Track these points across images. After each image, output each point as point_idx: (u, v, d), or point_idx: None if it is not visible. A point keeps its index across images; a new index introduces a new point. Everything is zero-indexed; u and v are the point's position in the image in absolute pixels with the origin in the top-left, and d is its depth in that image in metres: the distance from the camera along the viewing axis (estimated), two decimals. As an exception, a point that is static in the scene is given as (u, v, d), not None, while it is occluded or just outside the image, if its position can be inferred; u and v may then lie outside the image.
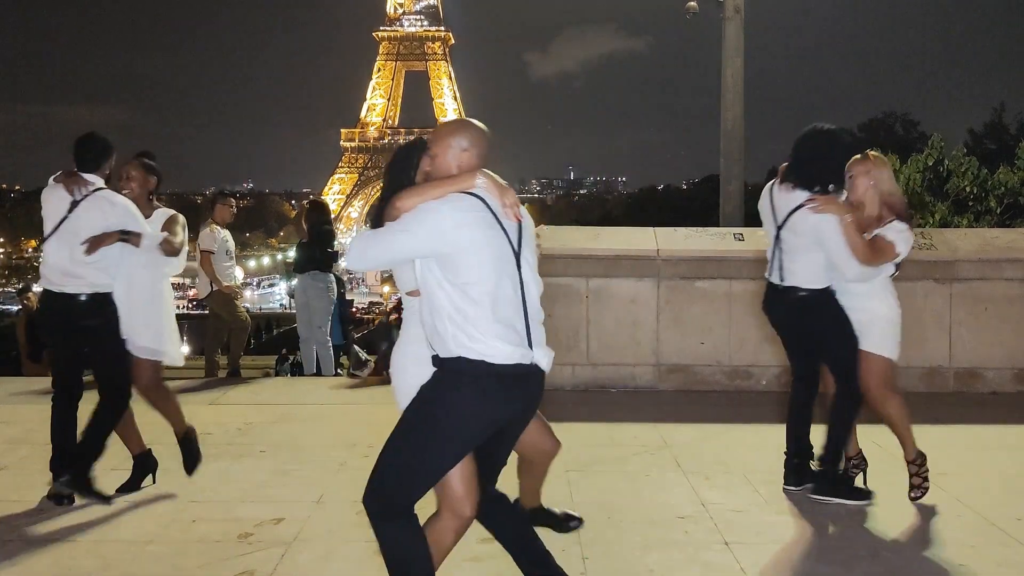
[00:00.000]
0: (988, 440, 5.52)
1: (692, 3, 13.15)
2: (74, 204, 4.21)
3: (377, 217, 2.83)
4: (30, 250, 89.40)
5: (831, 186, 4.17)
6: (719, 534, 3.88)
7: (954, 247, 6.93)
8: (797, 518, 4.09)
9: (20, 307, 11.45)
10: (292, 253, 9.62)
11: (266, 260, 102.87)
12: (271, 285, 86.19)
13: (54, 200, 4.26)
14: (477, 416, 2.67)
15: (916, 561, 3.61)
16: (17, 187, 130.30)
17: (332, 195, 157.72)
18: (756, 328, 6.79)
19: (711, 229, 7.55)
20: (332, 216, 9.04)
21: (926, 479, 4.29)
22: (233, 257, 8.40)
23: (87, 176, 4.26)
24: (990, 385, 6.86)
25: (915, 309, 6.90)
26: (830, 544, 3.82)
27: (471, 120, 2.88)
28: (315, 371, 8.51)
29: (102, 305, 4.26)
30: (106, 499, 4.22)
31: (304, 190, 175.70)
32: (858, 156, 4.19)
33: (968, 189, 14.25)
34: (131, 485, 4.46)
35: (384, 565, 3.57)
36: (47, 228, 4.28)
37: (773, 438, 4.78)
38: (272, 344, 38.08)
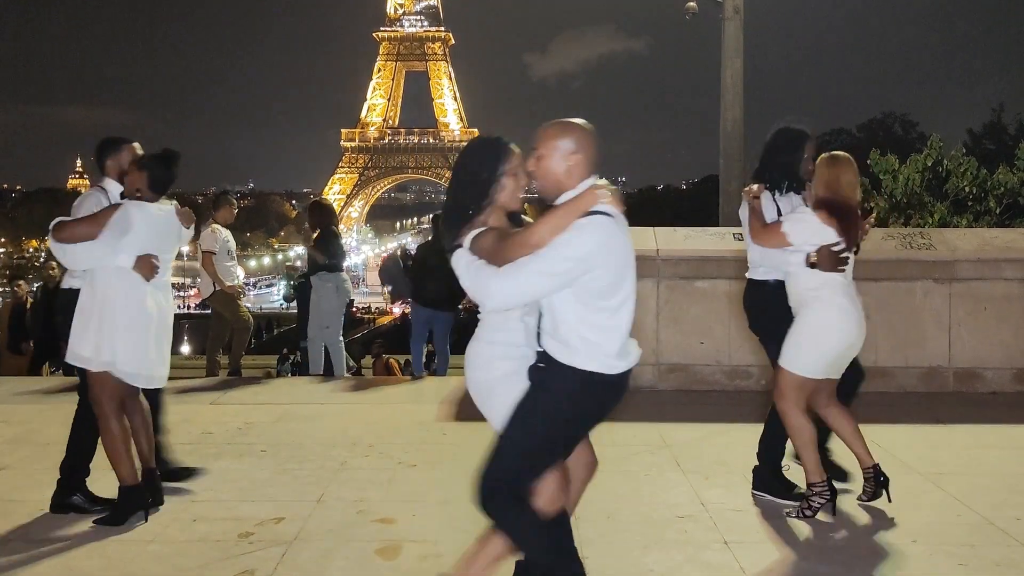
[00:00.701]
0: (988, 440, 5.52)
1: (692, 3, 13.16)
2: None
3: (451, 223, 2.79)
4: (31, 250, 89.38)
5: (786, 182, 4.19)
6: (719, 534, 3.89)
7: (953, 247, 6.94)
8: (796, 518, 4.09)
9: (11, 296, 11.03)
10: (292, 253, 9.60)
11: (267, 260, 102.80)
12: (268, 285, 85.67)
13: None
14: (583, 420, 2.87)
15: (916, 561, 3.61)
16: (18, 187, 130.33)
17: (332, 195, 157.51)
18: (756, 328, 6.80)
19: (711, 229, 7.56)
20: (336, 216, 8.99)
21: (811, 506, 4.00)
22: (235, 257, 8.41)
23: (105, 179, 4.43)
24: (990, 385, 6.87)
25: (915, 309, 6.92)
26: (830, 544, 3.82)
27: (576, 121, 2.78)
28: (321, 371, 8.50)
29: (63, 304, 4.26)
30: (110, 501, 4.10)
31: (304, 190, 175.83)
32: (823, 156, 4.14)
33: (967, 189, 14.23)
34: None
35: (386, 564, 3.59)
36: None
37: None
38: (273, 344, 38.08)
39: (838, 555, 3.68)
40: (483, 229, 2.76)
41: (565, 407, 2.76)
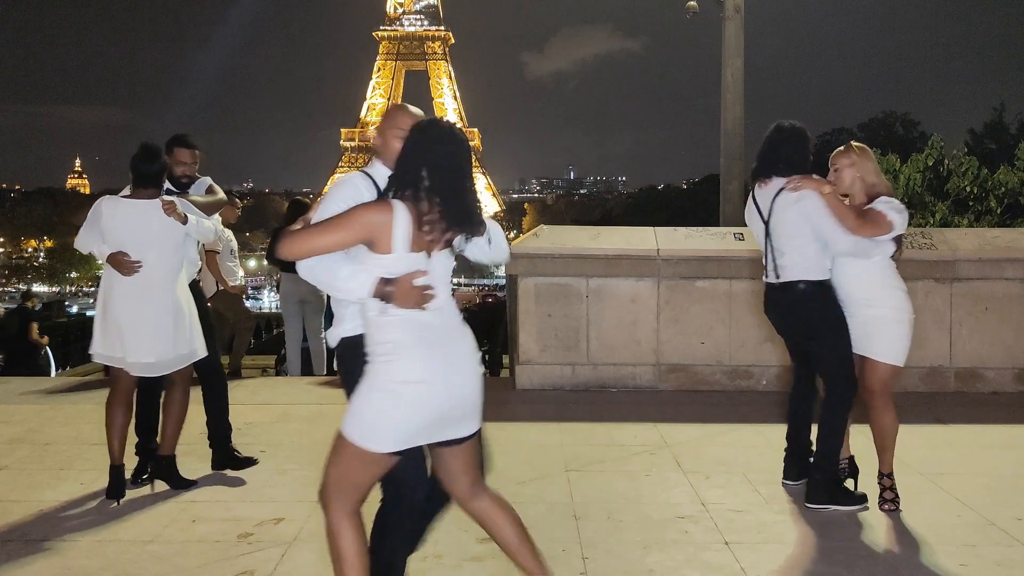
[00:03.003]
0: (988, 440, 5.51)
1: (692, 3, 13.15)
2: None
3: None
4: (30, 249, 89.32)
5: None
6: (719, 534, 3.88)
7: (954, 247, 6.93)
8: (797, 518, 4.09)
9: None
10: None
11: (266, 261, 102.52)
12: (255, 287, 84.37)
13: None
14: None
15: (916, 561, 3.61)
16: (17, 187, 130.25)
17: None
18: (756, 328, 6.79)
19: (711, 229, 7.55)
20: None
21: (897, 494, 4.18)
22: (237, 257, 8.42)
23: None
24: (991, 385, 6.86)
25: (916, 309, 6.88)
26: (830, 544, 3.81)
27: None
28: (299, 372, 8.52)
29: None
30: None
31: (304, 190, 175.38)
32: (841, 148, 4.18)
33: (968, 189, 14.22)
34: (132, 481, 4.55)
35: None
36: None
37: (774, 438, 4.78)
38: (272, 344, 37.99)
39: (838, 555, 3.67)
40: None
41: None
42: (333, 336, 2.86)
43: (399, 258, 2.50)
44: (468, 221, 2.60)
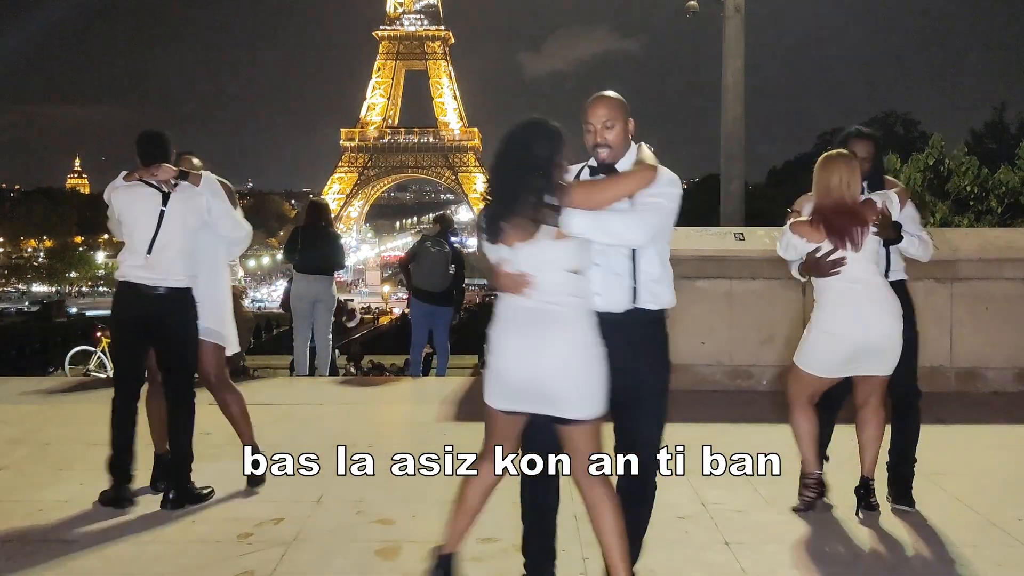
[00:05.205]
0: (989, 440, 5.51)
1: (692, 2, 13.14)
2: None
3: (529, 202, 2.90)
4: (29, 249, 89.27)
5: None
6: (719, 534, 3.88)
7: (955, 246, 6.93)
8: (797, 518, 4.08)
9: None
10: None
11: (266, 260, 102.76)
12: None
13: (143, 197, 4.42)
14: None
15: (916, 561, 3.61)
16: (17, 187, 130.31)
17: (332, 194, 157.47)
18: (756, 328, 6.79)
19: (711, 229, 7.54)
20: (329, 215, 8.93)
21: (808, 496, 4.14)
22: (236, 257, 8.43)
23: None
24: (991, 385, 6.86)
25: (916, 308, 6.90)
26: (830, 544, 3.81)
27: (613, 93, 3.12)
28: (306, 371, 8.51)
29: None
30: (205, 496, 4.34)
31: (304, 189, 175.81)
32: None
33: (969, 189, 14.22)
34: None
35: (386, 565, 3.57)
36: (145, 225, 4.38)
37: (774, 438, 4.78)
38: (272, 344, 38.00)
39: (838, 555, 3.67)
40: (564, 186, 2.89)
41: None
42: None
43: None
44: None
